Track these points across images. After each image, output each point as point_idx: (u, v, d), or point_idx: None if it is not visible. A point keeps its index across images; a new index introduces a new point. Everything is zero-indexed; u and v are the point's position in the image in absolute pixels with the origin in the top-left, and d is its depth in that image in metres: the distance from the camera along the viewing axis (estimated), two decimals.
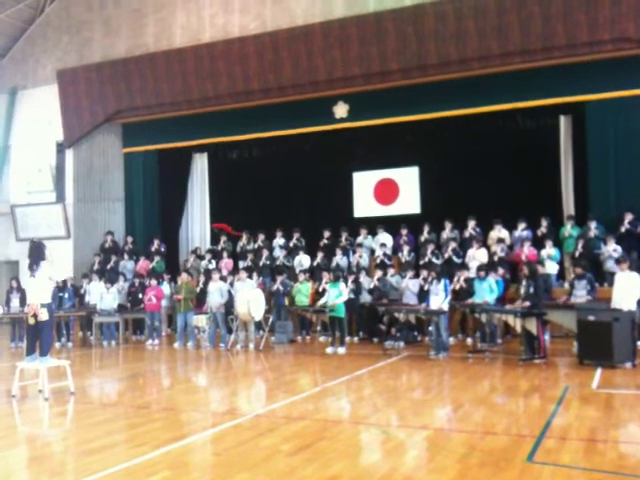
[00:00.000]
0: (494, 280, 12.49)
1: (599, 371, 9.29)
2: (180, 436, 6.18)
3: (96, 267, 17.66)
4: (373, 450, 5.83)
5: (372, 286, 14.08)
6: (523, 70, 15.37)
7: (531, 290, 10.53)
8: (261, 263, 16.21)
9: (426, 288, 12.59)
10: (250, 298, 12.96)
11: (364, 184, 18.10)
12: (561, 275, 14.56)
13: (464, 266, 13.99)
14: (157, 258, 17.74)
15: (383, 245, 15.50)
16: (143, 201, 20.03)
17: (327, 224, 16.75)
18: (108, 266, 17.83)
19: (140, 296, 15.40)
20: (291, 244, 16.80)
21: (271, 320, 14.05)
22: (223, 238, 17.81)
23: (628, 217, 14.03)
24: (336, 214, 17.56)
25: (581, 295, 11.40)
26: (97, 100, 19.68)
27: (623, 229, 14.02)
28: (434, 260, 14.46)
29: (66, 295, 15.23)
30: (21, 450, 6.07)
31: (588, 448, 5.51)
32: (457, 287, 13.10)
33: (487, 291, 12.17)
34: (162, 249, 18.34)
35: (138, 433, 6.38)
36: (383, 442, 5.96)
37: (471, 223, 15.22)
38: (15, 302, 14.84)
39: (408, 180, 17.58)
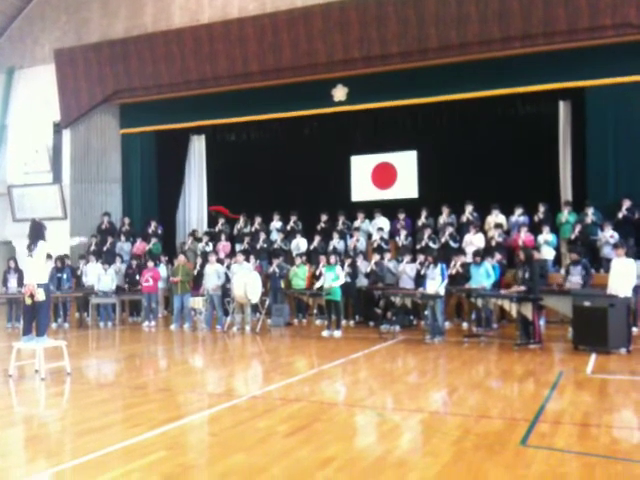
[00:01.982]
0: (490, 265, 12.52)
1: (594, 357, 9.33)
2: (176, 417, 6.22)
3: (93, 248, 17.62)
4: (368, 432, 5.86)
5: (369, 270, 14.10)
6: (523, 55, 15.27)
7: (527, 275, 10.55)
8: (258, 246, 16.22)
9: (423, 272, 12.61)
10: (247, 281, 12.97)
11: (362, 168, 18.04)
12: (557, 261, 14.60)
13: (461, 251, 14.00)
14: (154, 240, 17.71)
15: (380, 229, 15.50)
16: (140, 182, 19.93)
17: (324, 208, 16.70)
18: (105, 247, 17.83)
19: (137, 278, 15.41)
20: (288, 227, 16.78)
21: (267, 303, 14.06)
22: (221, 220, 17.78)
23: (626, 203, 14.02)
24: (334, 198, 17.50)
25: (575, 281, 11.46)
26: (95, 80, 19.52)
27: (620, 215, 14.02)
28: (431, 245, 14.49)
29: (65, 276, 15.24)
30: (18, 430, 6.09)
31: (582, 432, 5.55)
32: (454, 272, 13.10)
33: (483, 276, 12.20)
34: (159, 231, 18.32)
35: (134, 413, 6.41)
36: (378, 425, 6.00)
37: (468, 208, 15.22)
38: (12, 282, 14.88)
39: (406, 164, 17.53)
